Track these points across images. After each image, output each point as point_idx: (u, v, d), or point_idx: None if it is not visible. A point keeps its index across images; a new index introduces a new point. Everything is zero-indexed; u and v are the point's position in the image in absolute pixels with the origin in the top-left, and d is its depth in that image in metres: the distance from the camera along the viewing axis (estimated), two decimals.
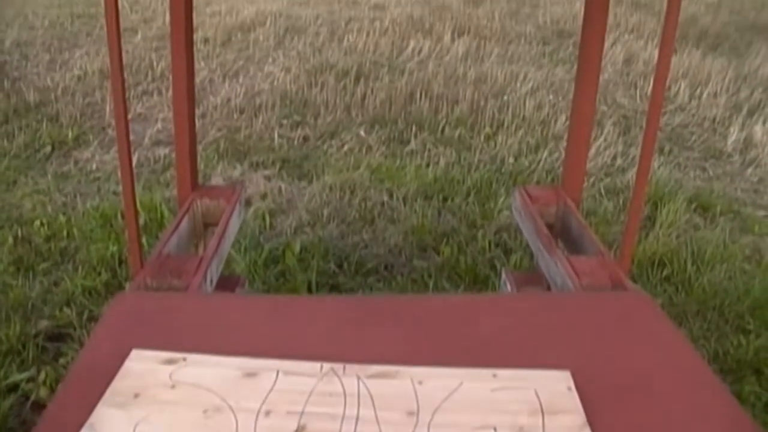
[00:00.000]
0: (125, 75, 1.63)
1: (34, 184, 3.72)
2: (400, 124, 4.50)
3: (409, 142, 4.27)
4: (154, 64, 5.67)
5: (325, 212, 3.37)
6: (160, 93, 5.10)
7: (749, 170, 4.19)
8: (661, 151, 4.33)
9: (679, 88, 5.42)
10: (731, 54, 6.76)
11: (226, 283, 1.99)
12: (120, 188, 3.11)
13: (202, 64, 5.76)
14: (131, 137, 1.74)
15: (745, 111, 5.05)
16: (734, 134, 4.62)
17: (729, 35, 7.63)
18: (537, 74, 5.56)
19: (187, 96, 2.08)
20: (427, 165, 3.95)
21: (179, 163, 2.13)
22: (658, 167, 4.06)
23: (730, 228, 3.43)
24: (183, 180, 2.13)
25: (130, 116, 3.84)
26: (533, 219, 2.04)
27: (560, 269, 1.75)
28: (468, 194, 3.57)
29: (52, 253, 3.04)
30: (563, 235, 2.09)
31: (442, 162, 3.98)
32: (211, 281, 1.77)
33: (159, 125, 4.51)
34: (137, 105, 4.87)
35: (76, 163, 4.02)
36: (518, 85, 5.27)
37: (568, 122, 2.64)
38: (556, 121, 4.54)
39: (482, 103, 4.85)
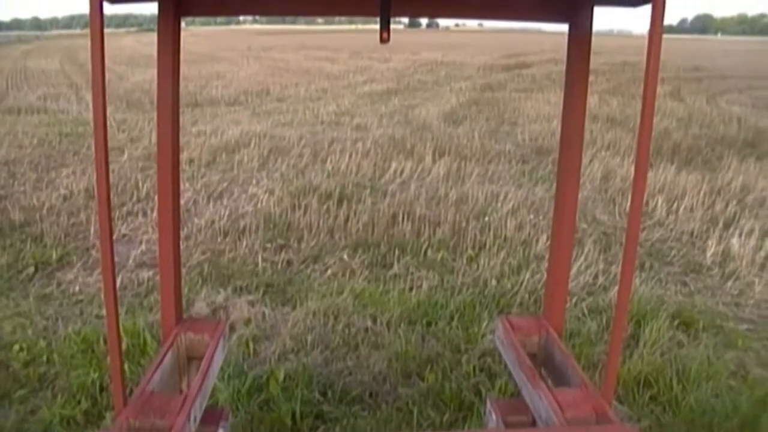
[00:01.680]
0: (111, 195, 1.65)
1: (15, 306, 3.69)
2: (382, 247, 4.53)
3: (392, 265, 4.29)
4: (140, 184, 5.75)
5: (309, 338, 3.34)
6: (144, 214, 5.15)
7: (729, 283, 4.23)
8: (642, 267, 4.37)
9: (657, 203, 5.54)
10: (704, 168, 6.95)
11: (210, 416, 1.96)
12: (103, 312, 3.08)
13: (187, 185, 5.84)
14: (115, 259, 1.75)
15: (721, 224, 5.15)
16: (712, 247, 4.68)
17: (701, 149, 7.86)
18: (517, 193, 5.66)
19: (173, 222, 2.10)
20: (410, 289, 3.95)
21: (164, 296, 2.13)
22: (640, 284, 4.09)
23: (713, 344, 3.43)
24: (167, 313, 2.13)
25: (114, 237, 3.85)
26: (516, 350, 2.04)
27: (544, 402, 1.74)
28: (452, 318, 3.56)
29: (30, 379, 2.97)
30: (546, 364, 2.09)
31: (425, 286, 3.98)
32: (195, 419, 1.75)
33: (143, 246, 4.52)
34: (122, 226, 4.91)
35: (59, 284, 4.00)
36: (499, 205, 5.35)
37: (549, 242, 2.67)
38: (537, 241, 4.60)
39: (464, 224, 4.91)
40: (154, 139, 2.75)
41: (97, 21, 1.53)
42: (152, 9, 2.10)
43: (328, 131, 8.47)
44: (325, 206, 5.26)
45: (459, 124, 9.12)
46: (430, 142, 7.48)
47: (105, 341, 3.09)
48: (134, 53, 19.93)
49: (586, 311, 3.67)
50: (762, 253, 4.60)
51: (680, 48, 39.53)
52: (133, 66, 17.69)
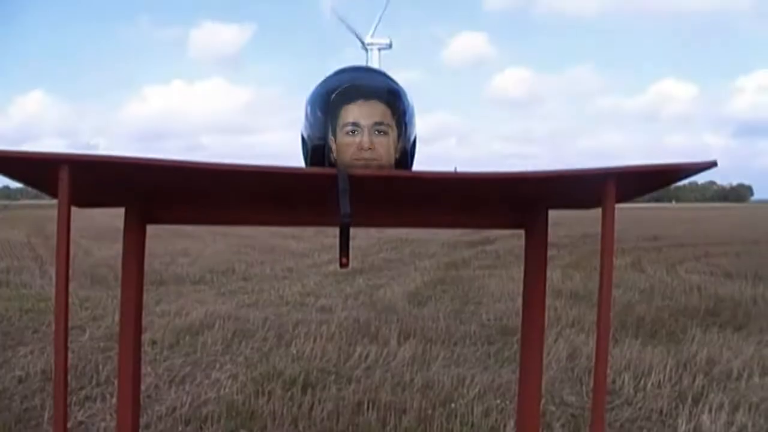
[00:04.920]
0: (69, 378, 1.61)
1: None
2: None
3: None
4: (100, 366, 5.57)
5: None
6: (103, 399, 4.94)
7: None
8: None
9: (624, 380, 5.49)
10: (668, 340, 6.98)
11: None
12: None
13: (149, 368, 5.68)
14: None
15: (690, 400, 5.09)
16: (683, 425, 4.61)
17: (664, 321, 7.93)
18: (483, 377, 5.58)
19: (132, 409, 2.06)
20: None
21: None
22: None
23: None
24: None
25: (69, 425, 3.67)
26: None
27: None
28: None
29: None
30: None
31: None
32: None
33: None
34: (78, 412, 4.68)
35: None
36: (465, 390, 5.25)
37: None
38: (504, 426, 4.49)
39: (430, 411, 4.79)
40: (117, 318, 2.71)
41: (64, 222, 1.56)
42: None
43: (293, 313, 8.44)
44: (289, 393, 5.14)
45: (424, 304, 9.15)
46: (395, 324, 7.47)
47: None
48: (101, 226, 19.93)
49: None
50: (734, 429, 4.54)
51: (639, 217, 40.85)
52: (100, 240, 17.74)
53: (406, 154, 2.09)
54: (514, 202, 2.15)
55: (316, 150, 2.07)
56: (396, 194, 1.99)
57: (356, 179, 1.63)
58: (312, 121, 2.09)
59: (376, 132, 2.02)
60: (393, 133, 2.06)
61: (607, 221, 1.70)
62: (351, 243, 1.84)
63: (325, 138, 2.06)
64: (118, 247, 2.15)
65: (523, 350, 2.26)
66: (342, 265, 1.82)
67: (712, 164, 1.66)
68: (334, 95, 2.06)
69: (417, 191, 1.93)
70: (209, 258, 14.85)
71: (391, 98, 2.07)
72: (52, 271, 11.73)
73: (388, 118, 2.04)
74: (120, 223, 2.19)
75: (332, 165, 2.02)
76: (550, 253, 2.29)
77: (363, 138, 2.01)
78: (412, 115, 2.11)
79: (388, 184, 1.80)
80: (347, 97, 2.04)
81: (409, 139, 2.10)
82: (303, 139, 2.14)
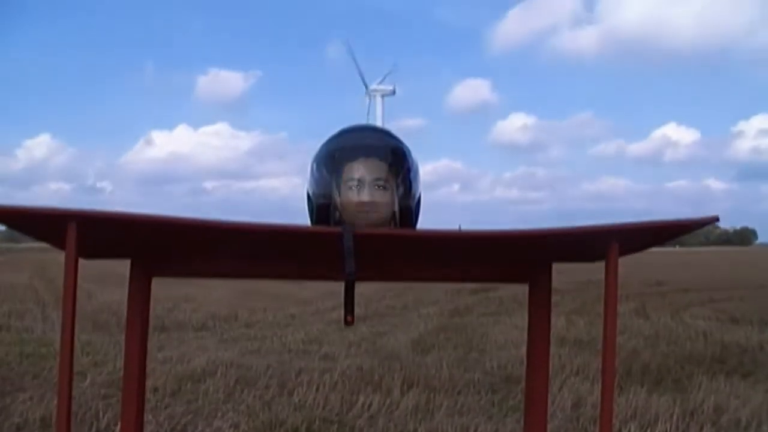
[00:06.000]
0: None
1: None
2: None
3: None
4: (100, 414, 5.50)
5: None
6: None
7: None
8: None
9: (630, 430, 5.43)
10: (675, 388, 6.91)
11: None
12: None
13: (150, 416, 5.62)
14: None
15: None
16: None
17: (670, 368, 7.86)
18: (487, 426, 5.52)
19: None
20: None
21: None
22: None
23: None
24: None
25: None
26: None
27: None
28: None
29: None
30: None
31: None
32: None
33: None
34: None
35: None
36: None
37: None
38: None
39: None
40: (119, 364, 2.69)
41: (71, 276, 1.57)
42: None
43: (295, 360, 8.37)
44: None
45: (427, 352, 9.09)
46: (399, 372, 7.40)
47: None
48: (104, 270, 19.83)
49: None
50: None
51: (642, 262, 40.58)
52: (103, 284, 17.67)
53: (410, 212, 2.16)
54: (518, 257, 2.16)
55: (321, 207, 2.15)
56: (400, 251, 2.00)
57: (361, 237, 1.65)
58: (317, 179, 2.17)
59: (376, 186, 2.14)
60: (392, 188, 2.16)
61: (610, 277, 1.71)
62: (355, 290, 1.88)
63: (329, 196, 2.14)
64: (121, 291, 2.16)
65: (528, 400, 2.26)
66: (347, 323, 1.85)
67: (714, 219, 1.68)
68: (338, 154, 2.17)
69: (421, 248, 1.95)
70: (212, 304, 14.79)
71: (392, 156, 2.18)
72: (54, 316, 11.71)
73: (388, 174, 2.16)
74: (123, 268, 2.20)
75: (337, 220, 2.09)
76: (553, 299, 2.31)
77: (364, 192, 2.11)
78: (416, 173, 2.19)
79: (392, 242, 1.81)
80: (350, 155, 2.16)
81: (413, 197, 2.17)
82: (308, 196, 2.21)
